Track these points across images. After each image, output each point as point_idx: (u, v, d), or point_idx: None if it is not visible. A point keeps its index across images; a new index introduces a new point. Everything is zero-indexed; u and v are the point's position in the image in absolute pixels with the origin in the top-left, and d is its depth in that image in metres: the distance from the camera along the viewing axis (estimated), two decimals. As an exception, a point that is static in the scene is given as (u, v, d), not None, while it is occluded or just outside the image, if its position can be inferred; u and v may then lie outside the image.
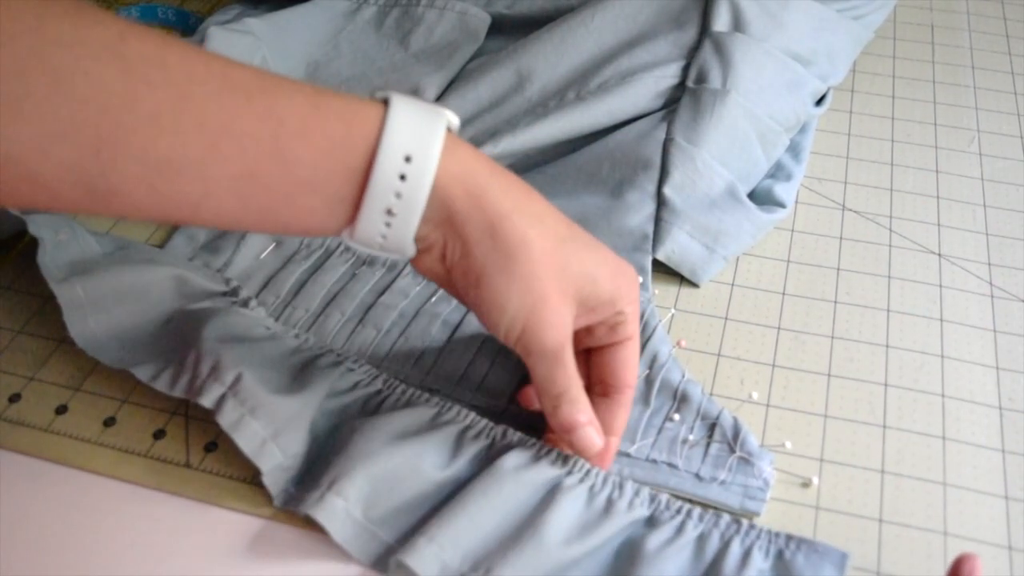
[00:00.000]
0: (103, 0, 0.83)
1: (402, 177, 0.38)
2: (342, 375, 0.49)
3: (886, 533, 0.45)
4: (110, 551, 0.44)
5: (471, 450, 0.46)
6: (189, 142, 0.36)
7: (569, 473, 0.44)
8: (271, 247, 0.58)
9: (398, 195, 0.38)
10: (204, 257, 0.58)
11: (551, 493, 0.43)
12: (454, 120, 0.40)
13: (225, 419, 0.45)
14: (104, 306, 0.51)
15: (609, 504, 0.43)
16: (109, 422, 0.49)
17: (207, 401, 0.46)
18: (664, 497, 0.44)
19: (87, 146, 0.35)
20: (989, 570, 0.43)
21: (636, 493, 0.44)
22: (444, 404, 0.48)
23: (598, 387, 0.46)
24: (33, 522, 0.45)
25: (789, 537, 0.42)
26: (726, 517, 0.43)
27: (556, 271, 0.41)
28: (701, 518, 0.43)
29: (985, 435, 0.49)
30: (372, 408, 0.48)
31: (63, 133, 0.34)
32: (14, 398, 0.50)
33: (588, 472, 0.44)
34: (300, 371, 0.49)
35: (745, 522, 0.43)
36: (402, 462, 0.44)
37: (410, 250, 0.40)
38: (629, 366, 0.45)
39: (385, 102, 0.39)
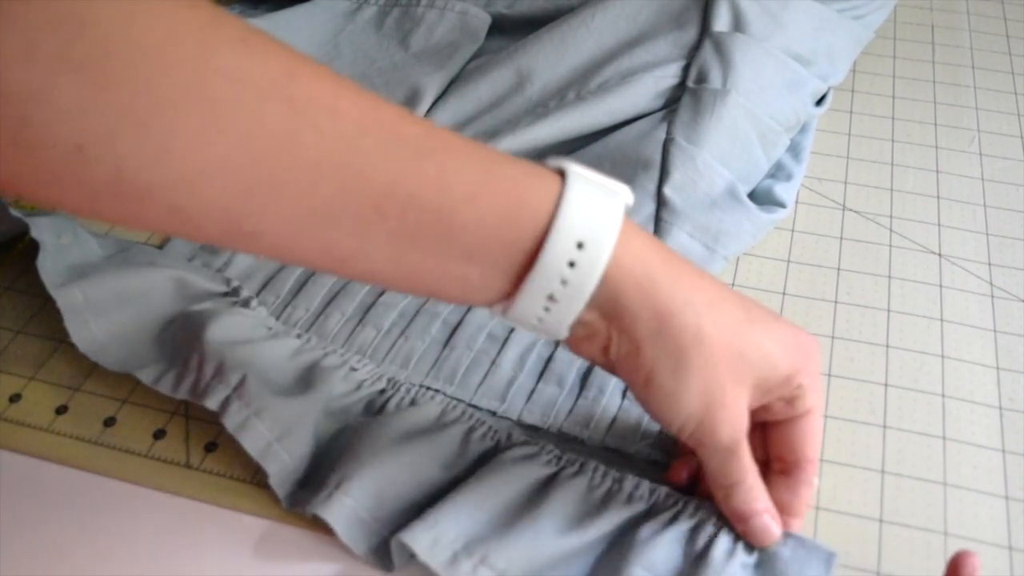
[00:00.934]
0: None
1: (571, 264, 0.35)
2: (346, 375, 0.49)
3: (886, 533, 0.45)
4: (110, 551, 0.44)
5: (476, 451, 0.46)
6: (350, 197, 0.33)
7: (566, 467, 0.44)
8: (271, 247, 0.58)
9: (564, 282, 0.36)
10: (203, 257, 0.58)
11: (548, 484, 0.44)
12: (629, 199, 0.37)
13: (231, 421, 0.45)
14: (105, 310, 0.51)
15: (607, 497, 0.43)
16: (109, 422, 0.49)
17: (212, 403, 0.46)
18: (663, 490, 0.44)
19: (239, 188, 0.32)
20: (989, 570, 0.43)
21: (636, 487, 0.44)
22: (448, 403, 0.48)
23: (776, 464, 0.43)
24: (33, 522, 0.45)
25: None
26: (717, 514, 0.43)
27: (732, 362, 0.38)
28: (697, 509, 0.43)
29: (985, 435, 0.49)
30: (376, 408, 0.48)
31: (215, 171, 0.32)
32: (14, 398, 0.50)
33: (584, 464, 0.44)
34: (304, 372, 0.49)
35: None
36: (409, 463, 0.44)
37: (565, 334, 0.38)
38: (810, 440, 0.42)
39: (562, 173, 0.36)
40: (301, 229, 0.34)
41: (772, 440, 0.43)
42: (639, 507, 0.43)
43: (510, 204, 0.35)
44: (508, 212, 0.35)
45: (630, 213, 0.55)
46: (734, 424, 0.39)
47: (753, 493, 0.41)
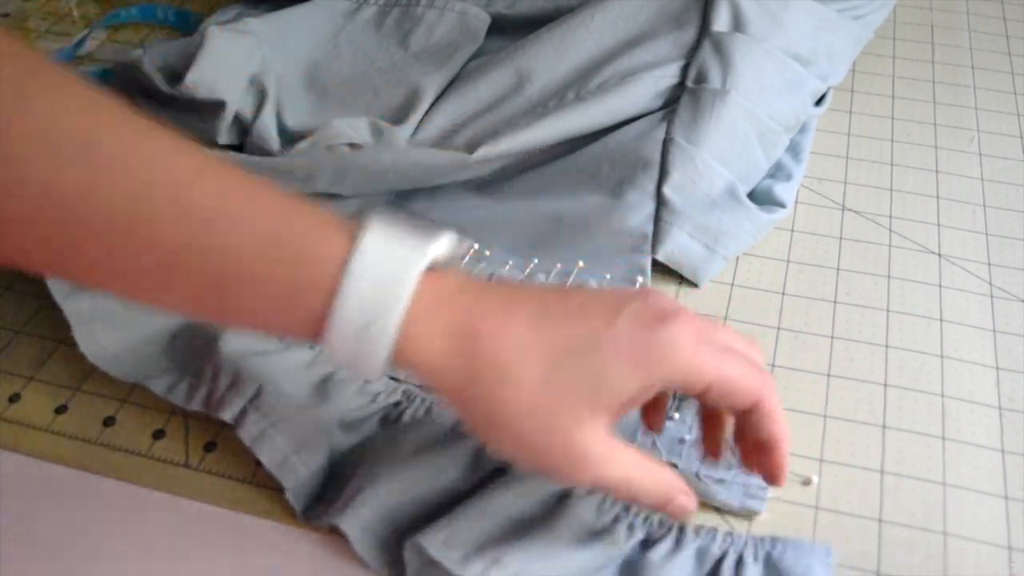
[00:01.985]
0: (104, 1, 0.83)
1: (357, 340, 0.35)
2: (361, 388, 0.49)
3: (886, 533, 0.45)
4: (110, 551, 0.44)
5: (489, 466, 0.46)
6: (140, 257, 0.35)
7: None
8: (271, 247, 0.58)
9: (356, 354, 0.35)
10: (204, 257, 0.58)
11: (561, 499, 0.44)
12: (440, 249, 0.36)
13: (247, 433, 0.45)
14: (113, 319, 0.51)
15: (616, 521, 0.43)
16: (109, 422, 0.49)
17: (228, 415, 0.46)
18: (655, 518, 0.44)
19: (47, 238, 0.34)
20: (989, 570, 0.43)
21: (636, 514, 0.44)
22: None
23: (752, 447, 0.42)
24: (33, 522, 0.45)
25: (774, 540, 0.43)
26: (720, 532, 0.43)
27: (543, 418, 0.36)
28: (697, 533, 0.43)
29: (985, 435, 0.49)
30: (391, 420, 0.48)
31: (21, 222, 0.34)
32: (14, 398, 0.50)
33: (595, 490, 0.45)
34: (319, 384, 0.49)
35: (736, 533, 0.43)
36: (423, 475, 0.44)
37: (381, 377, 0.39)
38: (766, 423, 0.40)
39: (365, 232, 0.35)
40: (107, 277, 0.36)
41: (738, 427, 0.42)
42: (638, 536, 0.43)
43: (290, 287, 0.35)
44: (289, 295, 0.35)
45: (626, 209, 0.56)
46: (575, 469, 0.37)
47: (643, 490, 0.39)
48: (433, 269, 0.36)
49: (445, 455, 0.45)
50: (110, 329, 0.50)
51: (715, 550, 0.43)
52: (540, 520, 0.43)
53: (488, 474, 0.45)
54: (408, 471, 0.44)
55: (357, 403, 0.48)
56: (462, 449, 0.46)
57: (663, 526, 0.44)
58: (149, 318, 0.51)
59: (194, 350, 0.49)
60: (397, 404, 0.49)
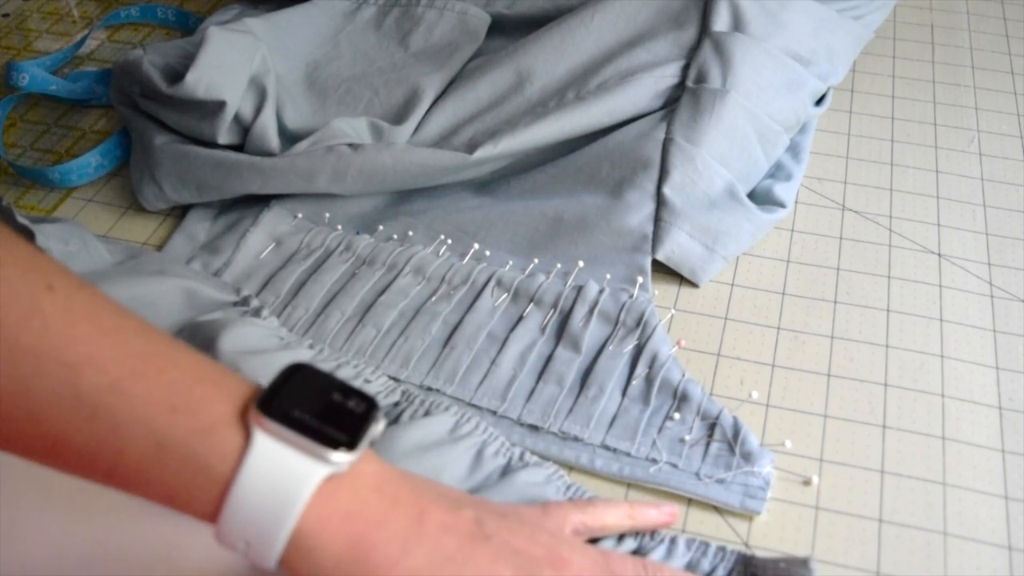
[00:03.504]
0: (104, 1, 0.83)
1: (246, 544, 0.34)
2: (360, 387, 0.49)
3: (886, 533, 0.45)
4: (110, 551, 0.44)
5: (489, 467, 0.46)
6: (26, 431, 0.34)
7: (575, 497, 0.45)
8: (271, 247, 0.58)
9: (245, 554, 0.34)
10: (204, 257, 0.58)
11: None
12: (341, 462, 0.34)
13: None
14: None
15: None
16: (109, 422, 0.49)
17: None
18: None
19: None
20: (989, 570, 0.43)
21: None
22: (462, 415, 0.48)
23: None
24: (33, 521, 0.45)
25: (756, 562, 0.42)
26: (712, 547, 0.43)
27: None
28: (688, 547, 0.43)
29: (985, 435, 0.49)
30: (391, 420, 0.48)
31: None
32: (14, 398, 0.50)
33: (593, 499, 0.45)
34: None
35: (729, 548, 0.43)
36: (421, 474, 0.44)
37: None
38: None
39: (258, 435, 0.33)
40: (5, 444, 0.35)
41: None
42: (629, 545, 0.44)
43: (176, 493, 0.34)
44: (178, 495, 0.34)
45: (626, 209, 0.56)
46: None
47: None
48: (332, 480, 0.34)
49: (443, 458, 0.45)
50: None
51: (705, 566, 0.43)
52: None
53: (485, 479, 0.45)
54: (408, 471, 0.44)
55: None
56: (460, 452, 0.46)
57: (655, 538, 0.44)
58: (148, 318, 0.51)
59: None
60: (396, 404, 0.49)
